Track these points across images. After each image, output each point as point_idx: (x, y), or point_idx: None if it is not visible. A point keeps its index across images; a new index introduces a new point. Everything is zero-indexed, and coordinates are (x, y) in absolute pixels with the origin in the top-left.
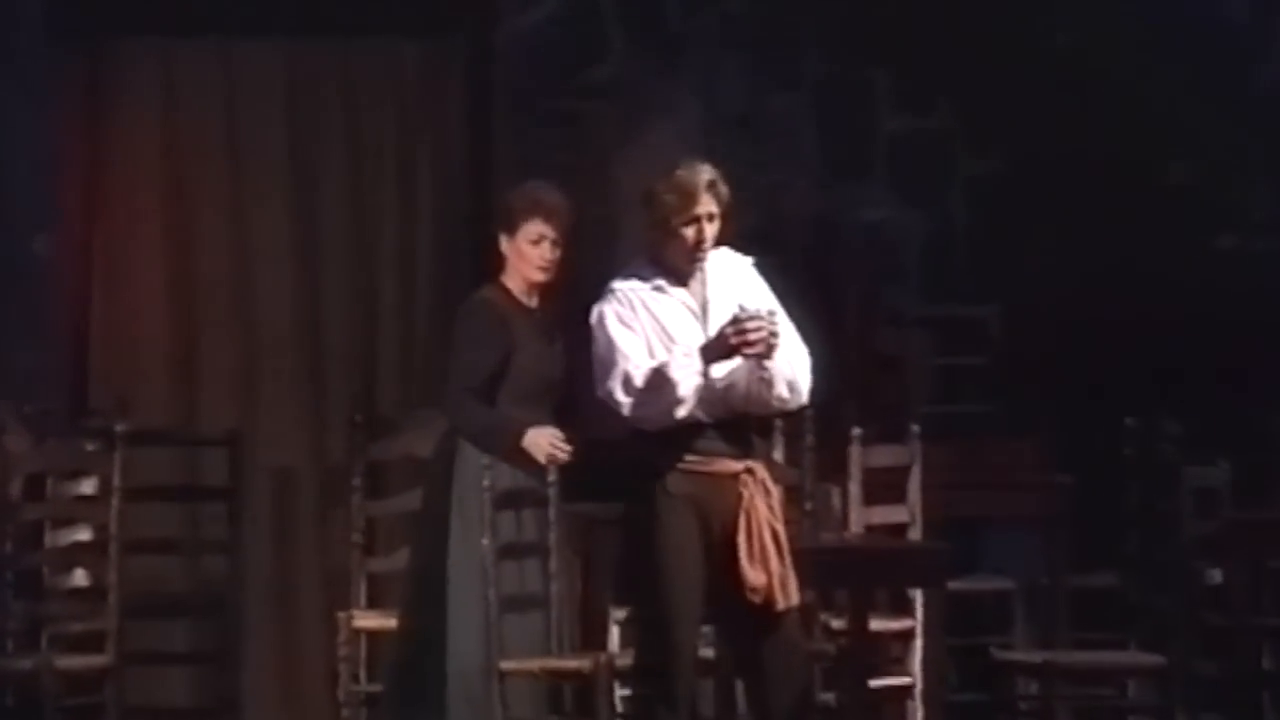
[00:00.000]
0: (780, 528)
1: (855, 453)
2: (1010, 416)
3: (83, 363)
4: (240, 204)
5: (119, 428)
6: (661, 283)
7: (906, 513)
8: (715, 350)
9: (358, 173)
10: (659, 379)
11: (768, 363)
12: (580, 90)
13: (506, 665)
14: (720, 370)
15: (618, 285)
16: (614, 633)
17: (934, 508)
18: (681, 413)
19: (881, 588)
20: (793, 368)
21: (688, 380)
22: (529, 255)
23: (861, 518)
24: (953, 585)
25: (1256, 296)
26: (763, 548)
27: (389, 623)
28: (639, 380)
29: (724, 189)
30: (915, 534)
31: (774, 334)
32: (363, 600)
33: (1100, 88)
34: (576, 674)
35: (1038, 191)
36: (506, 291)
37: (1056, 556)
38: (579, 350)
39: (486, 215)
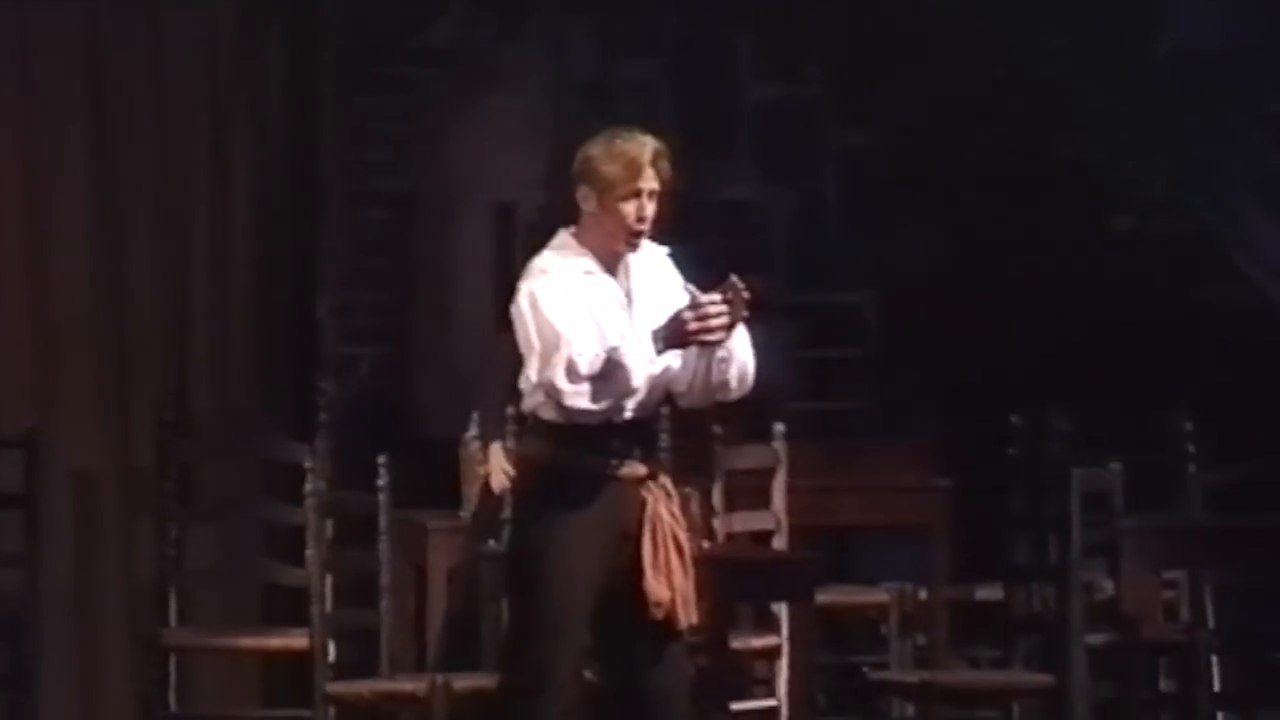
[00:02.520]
0: (684, 538)
1: (716, 453)
2: (885, 414)
3: None
4: (34, 177)
5: None
6: (591, 267)
7: (771, 519)
8: (671, 337)
9: (165, 144)
10: (610, 367)
11: (729, 344)
12: (414, 55)
13: (333, 689)
14: (660, 361)
15: (544, 264)
16: None
17: (802, 514)
18: (632, 404)
19: (744, 601)
20: (745, 352)
21: (642, 368)
22: None
23: (722, 525)
24: (822, 598)
25: (1154, 282)
26: (667, 560)
27: (202, 640)
28: (585, 367)
29: (667, 164)
30: (781, 542)
31: (736, 317)
32: (173, 618)
33: (985, 52)
34: (410, 698)
35: (916, 166)
36: None
37: (935, 567)
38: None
39: (310, 192)
